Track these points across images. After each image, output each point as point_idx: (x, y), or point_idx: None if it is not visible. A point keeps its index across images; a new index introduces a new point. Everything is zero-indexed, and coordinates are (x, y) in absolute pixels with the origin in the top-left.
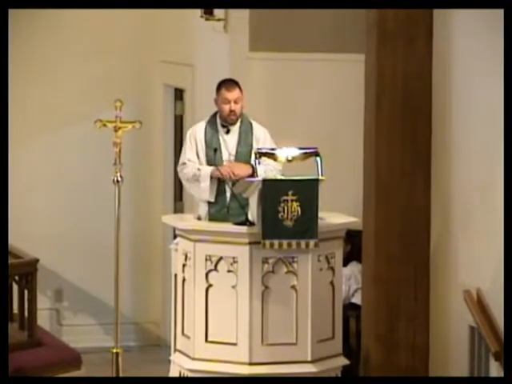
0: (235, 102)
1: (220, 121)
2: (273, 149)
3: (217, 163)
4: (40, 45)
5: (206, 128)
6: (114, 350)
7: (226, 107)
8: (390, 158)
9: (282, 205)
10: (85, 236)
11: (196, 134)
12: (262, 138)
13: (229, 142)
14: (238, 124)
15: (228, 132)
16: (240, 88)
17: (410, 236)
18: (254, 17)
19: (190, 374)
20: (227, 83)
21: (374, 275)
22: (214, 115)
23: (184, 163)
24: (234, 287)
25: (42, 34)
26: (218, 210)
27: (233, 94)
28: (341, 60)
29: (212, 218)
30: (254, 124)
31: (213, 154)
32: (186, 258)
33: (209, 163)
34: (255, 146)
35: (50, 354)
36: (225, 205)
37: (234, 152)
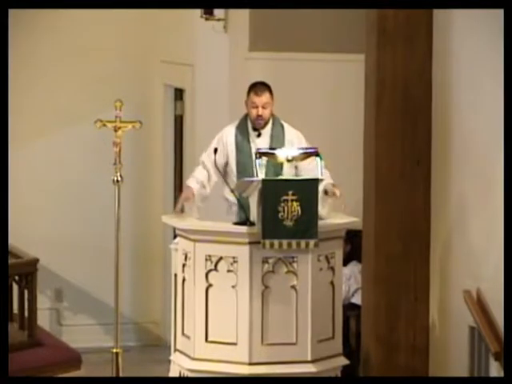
0: (263, 107)
1: (251, 124)
2: (273, 148)
3: (247, 168)
4: (40, 45)
5: (236, 131)
6: (114, 350)
7: (254, 111)
8: (389, 158)
9: (282, 205)
10: (85, 236)
11: (227, 138)
12: (295, 140)
13: (260, 146)
14: (270, 127)
15: (259, 135)
16: (271, 92)
17: (410, 236)
18: (254, 17)
19: (190, 374)
20: (257, 87)
21: (374, 275)
22: (245, 118)
23: (202, 162)
24: (234, 287)
25: (41, 34)
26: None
27: (261, 99)
28: (341, 60)
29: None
30: (286, 126)
31: (242, 159)
32: (186, 258)
33: (239, 168)
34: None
35: (50, 353)
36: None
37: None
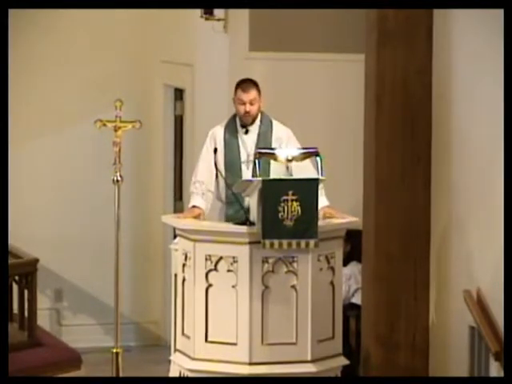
0: (251, 104)
1: (239, 121)
2: (273, 149)
3: (234, 164)
4: (40, 45)
5: (225, 128)
6: (114, 350)
7: (241, 108)
8: (389, 158)
9: (282, 205)
10: (85, 236)
11: (216, 134)
12: (284, 138)
13: (247, 142)
14: (258, 124)
15: (247, 132)
16: (258, 88)
17: (410, 236)
18: (254, 17)
19: (190, 374)
20: (244, 84)
21: (373, 275)
22: (233, 116)
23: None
24: (234, 287)
25: (41, 34)
26: (237, 211)
27: (248, 95)
28: (341, 60)
29: (229, 219)
30: (275, 123)
31: (230, 156)
32: (186, 258)
33: (227, 165)
34: (276, 147)
35: (49, 354)
36: (242, 205)
37: (252, 152)
